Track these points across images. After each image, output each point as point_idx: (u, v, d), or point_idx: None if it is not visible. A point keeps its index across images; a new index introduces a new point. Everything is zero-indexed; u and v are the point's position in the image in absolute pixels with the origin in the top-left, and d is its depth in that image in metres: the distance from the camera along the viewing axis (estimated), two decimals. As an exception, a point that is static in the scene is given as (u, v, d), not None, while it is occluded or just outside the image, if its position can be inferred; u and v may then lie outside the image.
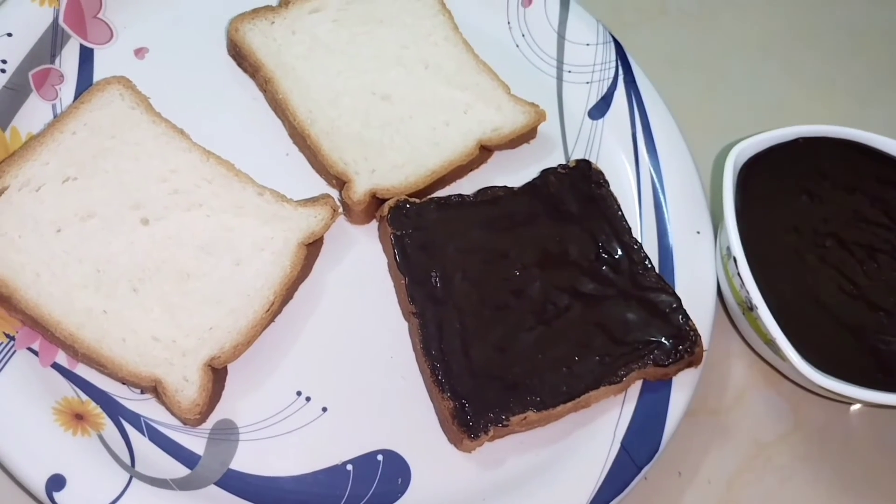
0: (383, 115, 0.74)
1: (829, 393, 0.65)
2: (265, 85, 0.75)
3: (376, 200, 0.71)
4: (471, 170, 0.76)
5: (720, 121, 0.86)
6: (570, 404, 0.64)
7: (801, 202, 0.72)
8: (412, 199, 0.70)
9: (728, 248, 0.68)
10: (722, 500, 0.68)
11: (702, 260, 0.73)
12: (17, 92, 0.71)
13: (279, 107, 0.74)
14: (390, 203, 0.69)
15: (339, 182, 0.71)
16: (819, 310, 0.68)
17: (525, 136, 0.77)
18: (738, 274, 0.67)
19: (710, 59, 0.91)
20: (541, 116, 0.77)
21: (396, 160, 0.72)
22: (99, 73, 0.74)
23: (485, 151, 0.75)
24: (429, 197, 0.71)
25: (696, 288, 0.71)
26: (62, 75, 0.74)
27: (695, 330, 0.67)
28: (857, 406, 0.74)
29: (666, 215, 0.75)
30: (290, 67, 0.75)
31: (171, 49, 0.77)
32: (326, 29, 0.77)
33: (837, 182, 0.73)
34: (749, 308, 0.67)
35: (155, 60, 0.76)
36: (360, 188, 0.70)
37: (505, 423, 0.62)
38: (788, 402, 0.73)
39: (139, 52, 0.76)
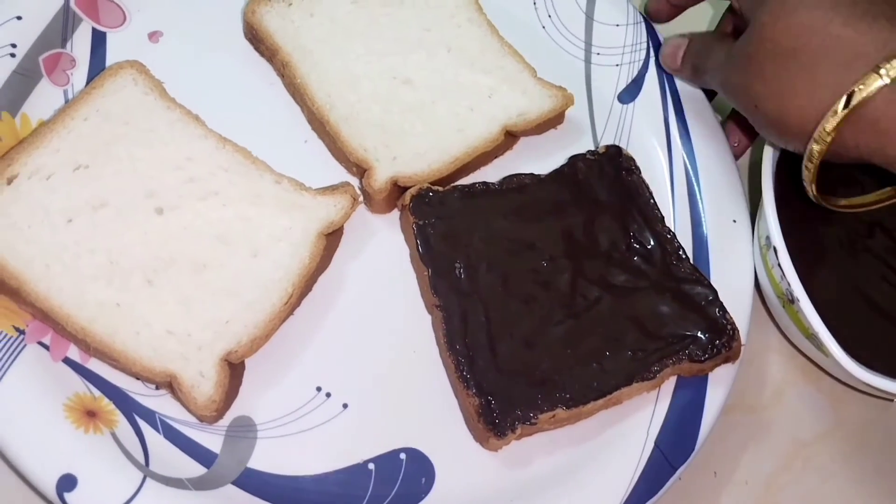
0: (405, 101, 0.72)
1: (872, 389, 0.63)
2: (283, 69, 0.73)
3: (398, 189, 0.69)
4: (496, 156, 0.74)
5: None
6: (601, 401, 0.62)
7: (844, 188, 0.68)
8: (435, 188, 0.68)
9: (767, 238, 0.66)
10: (760, 502, 0.67)
11: (739, 250, 0.71)
12: (28, 77, 0.70)
13: (297, 92, 0.72)
14: (412, 191, 0.68)
15: (360, 170, 0.70)
16: (864, 303, 0.65)
17: (552, 121, 0.75)
18: (779, 264, 0.64)
19: (744, 41, 0.88)
20: (568, 100, 0.74)
21: (419, 147, 0.71)
22: (112, 58, 0.72)
23: (510, 137, 0.73)
24: (452, 185, 0.69)
25: (732, 279, 0.69)
26: (74, 60, 0.72)
27: (732, 323, 0.65)
28: (900, 403, 0.72)
29: (700, 203, 0.73)
30: (309, 51, 0.73)
31: (186, 33, 0.75)
32: (346, 11, 0.75)
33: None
34: (789, 300, 0.65)
35: (169, 44, 0.74)
36: (381, 176, 0.68)
37: (533, 420, 0.61)
38: (829, 399, 0.71)
39: (153, 36, 0.74)
